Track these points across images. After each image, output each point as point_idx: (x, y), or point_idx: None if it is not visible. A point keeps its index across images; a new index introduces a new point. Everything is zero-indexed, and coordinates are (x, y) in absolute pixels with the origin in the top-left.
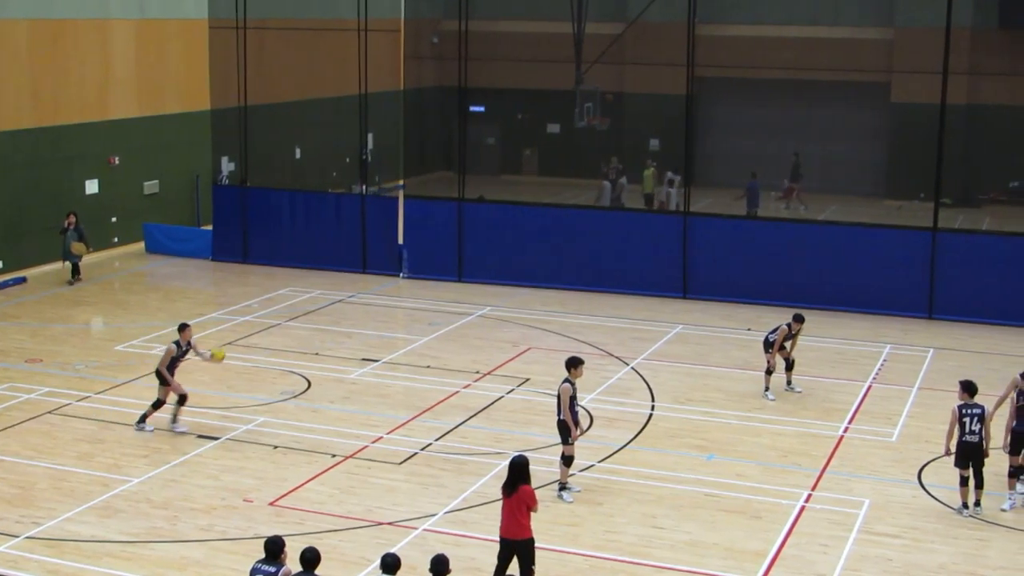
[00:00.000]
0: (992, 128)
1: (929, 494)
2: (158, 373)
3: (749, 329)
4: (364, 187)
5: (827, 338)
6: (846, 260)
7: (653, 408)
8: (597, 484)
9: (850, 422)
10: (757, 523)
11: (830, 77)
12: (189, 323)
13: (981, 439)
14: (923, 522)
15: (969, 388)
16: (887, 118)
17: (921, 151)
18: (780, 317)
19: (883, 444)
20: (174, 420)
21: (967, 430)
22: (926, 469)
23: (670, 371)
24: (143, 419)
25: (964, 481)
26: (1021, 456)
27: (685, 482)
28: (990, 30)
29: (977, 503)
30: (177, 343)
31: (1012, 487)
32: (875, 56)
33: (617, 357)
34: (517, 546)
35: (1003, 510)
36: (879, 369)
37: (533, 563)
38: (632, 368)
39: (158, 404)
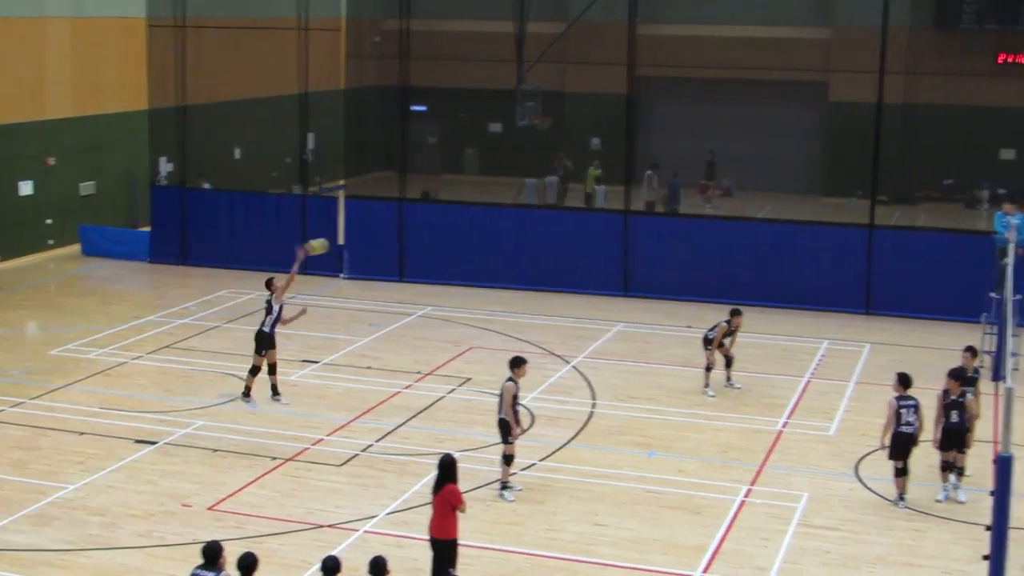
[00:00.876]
0: (928, 127)
1: (866, 487)
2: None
3: (689, 326)
4: (304, 187)
5: (766, 334)
6: (785, 257)
7: (594, 406)
8: (539, 483)
9: (789, 417)
10: (698, 518)
11: (770, 76)
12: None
13: (916, 431)
14: (860, 514)
15: (904, 381)
16: (825, 117)
17: (858, 149)
18: (720, 314)
19: (821, 438)
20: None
21: (902, 421)
22: (863, 462)
23: (611, 369)
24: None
25: (899, 472)
26: (952, 452)
27: (627, 479)
28: (926, 30)
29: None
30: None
31: (945, 479)
32: (814, 56)
33: (559, 356)
34: (438, 545)
35: (938, 501)
36: (817, 364)
37: (453, 565)
38: (573, 367)
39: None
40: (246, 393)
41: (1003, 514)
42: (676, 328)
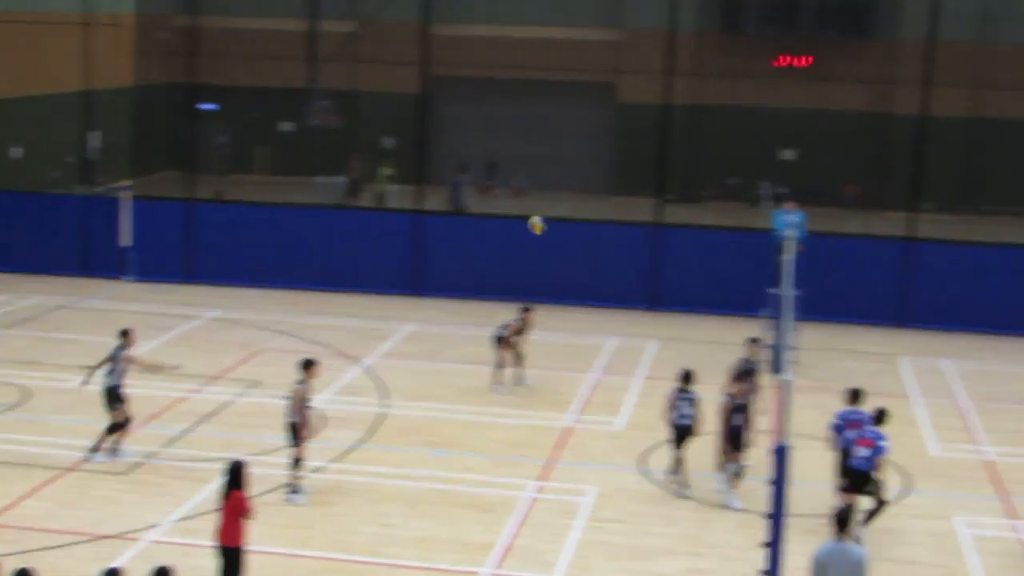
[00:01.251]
0: (713, 127)
1: (652, 480)
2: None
3: (479, 325)
4: (88, 187)
5: (556, 331)
6: (574, 255)
7: (385, 407)
8: (329, 485)
9: (578, 413)
10: (488, 516)
11: (561, 77)
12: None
13: (692, 423)
14: (646, 507)
15: (685, 377)
16: (615, 117)
17: (647, 149)
18: (511, 312)
19: (608, 433)
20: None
21: (680, 413)
22: (649, 456)
23: (403, 369)
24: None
25: (678, 462)
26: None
27: (417, 479)
28: (712, 33)
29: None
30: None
31: (736, 487)
32: (603, 56)
33: (350, 356)
34: (226, 553)
35: (728, 506)
36: (605, 360)
37: (236, 574)
38: (365, 367)
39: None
40: (94, 449)
41: (781, 502)
42: (468, 327)
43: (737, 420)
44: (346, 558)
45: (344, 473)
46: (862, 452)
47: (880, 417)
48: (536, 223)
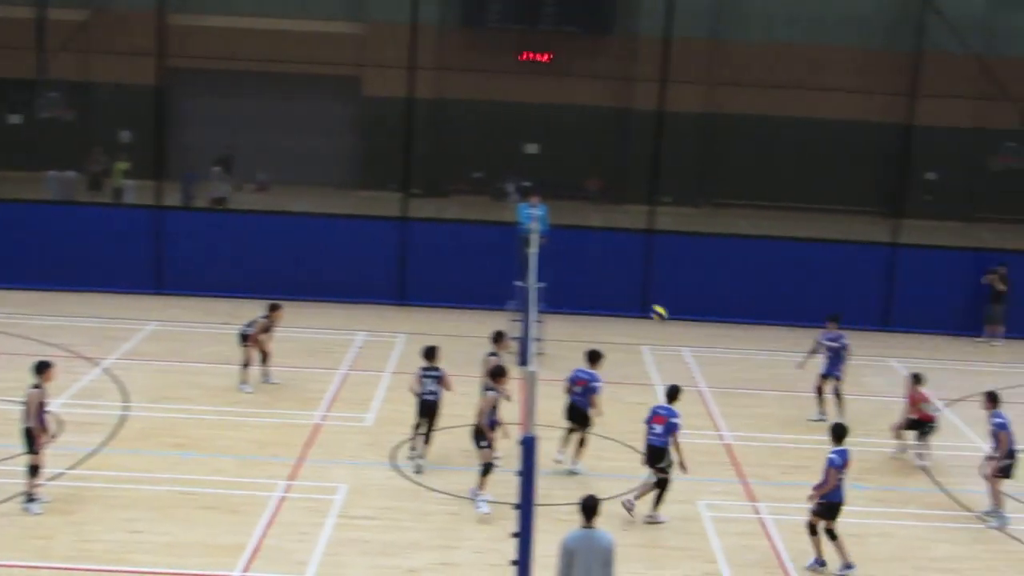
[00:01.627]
0: (457, 122)
1: (403, 474)
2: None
3: (226, 323)
4: None
5: (304, 328)
6: (321, 250)
7: (126, 409)
8: (68, 492)
9: (326, 410)
10: (236, 517)
11: (303, 70)
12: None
13: (437, 399)
14: (397, 502)
15: (428, 354)
16: (359, 111)
17: (392, 143)
18: (258, 309)
19: (358, 429)
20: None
21: (425, 389)
22: (399, 451)
23: (144, 370)
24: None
25: (420, 439)
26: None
27: (162, 482)
28: (455, 27)
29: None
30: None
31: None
32: (346, 50)
33: (88, 358)
34: None
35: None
36: (353, 356)
37: None
38: (104, 369)
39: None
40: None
41: (529, 492)
42: (212, 325)
43: (495, 415)
44: (89, 568)
45: (85, 479)
46: (656, 429)
47: (673, 394)
48: (661, 312)
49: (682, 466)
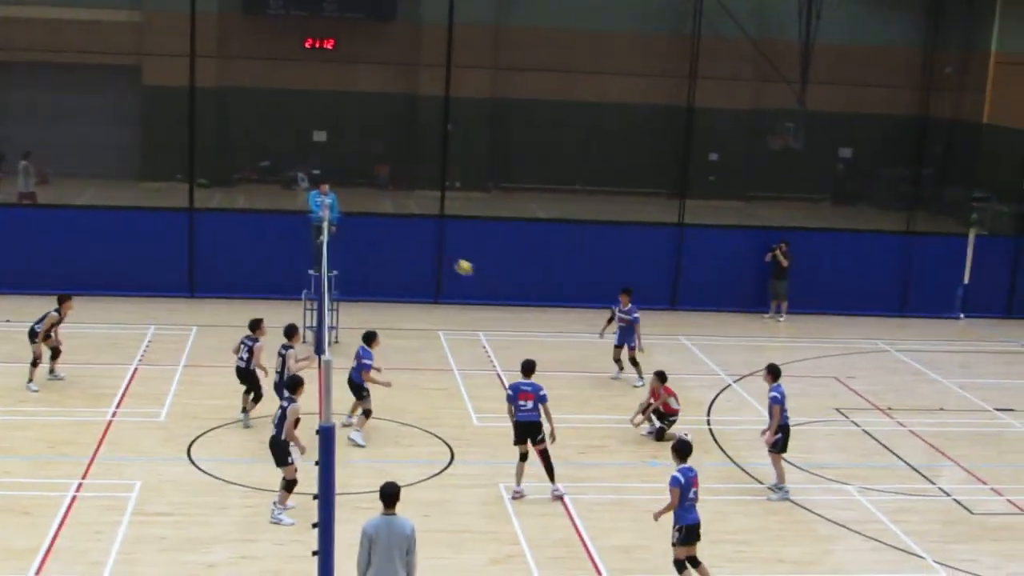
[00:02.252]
0: (242, 110)
1: (199, 468)
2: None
3: (8, 320)
4: None
5: (93, 323)
6: (107, 243)
7: None
8: None
9: (118, 406)
10: (27, 519)
11: (79, 59)
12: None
13: (246, 364)
14: (195, 496)
15: (254, 326)
16: (140, 101)
17: (176, 133)
18: (44, 305)
19: (152, 424)
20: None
21: (240, 357)
22: (195, 445)
23: None
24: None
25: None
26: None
27: None
28: (235, 15)
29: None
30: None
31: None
32: (125, 39)
33: None
34: None
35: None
36: (144, 350)
37: None
38: None
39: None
40: None
41: (328, 483)
42: None
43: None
44: None
45: None
46: (526, 405)
47: (529, 368)
48: (464, 266)
49: (552, 435)
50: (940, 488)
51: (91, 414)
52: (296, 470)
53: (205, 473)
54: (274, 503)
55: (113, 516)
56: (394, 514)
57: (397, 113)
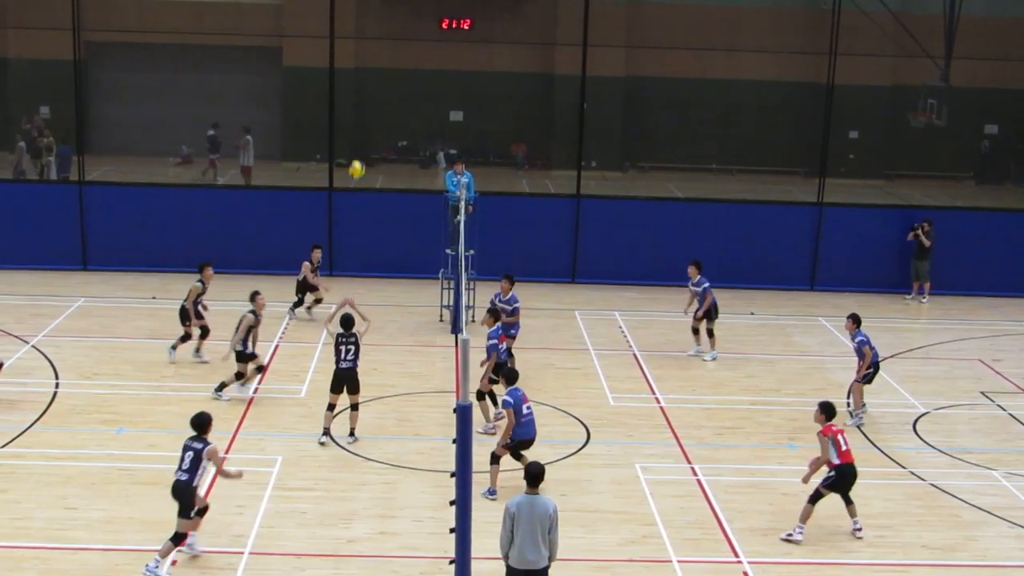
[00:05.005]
0: (380, 90)
1: (338, 444)
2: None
3: (154, 297)
4: None
5: (237, 301)
6: (250, 222)
7: (58, 386)
8: (2, 471)
9: (260, 382)
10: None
11: (222, 42)
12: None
13: (355, 365)
14: (334, 472)
15: (345, 322)
16: (280, 82)
17: (315, 113)
18: (185, 282)
19: (293, 401)
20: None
21: (342, 357)
22: (335, 421)
23: (74, 346)
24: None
25: (331, 407)
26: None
27: (96, 459)
28: None
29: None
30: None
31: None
32: (266, 20)
33: (16, 336)
34: None
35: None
36: (285, 328)
37: None
38: (33, 346)
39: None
40: None
41: (466, 461)
42: (140, 300)
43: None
44: (25, 545)
45: (17, 457)
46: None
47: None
48: (357, 167)
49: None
50: None
51: (232, 390)
52: (196, 525)
53: (344, 449)
54: (157, 558)
55: (255, 490)
56: (537, 493)
57: (533, 93)
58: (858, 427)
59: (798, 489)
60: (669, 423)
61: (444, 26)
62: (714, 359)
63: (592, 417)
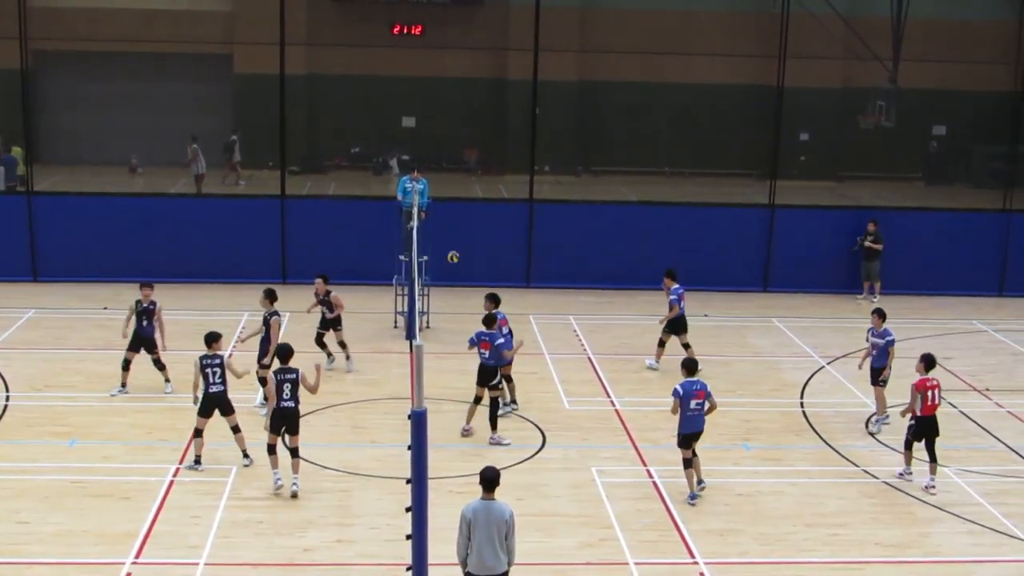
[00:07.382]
0: (332, 97)
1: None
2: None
3: (106, 308)
4: None
5: (187, 310)
6: (201, 231)
7: (8, 399)
8: None
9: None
10: (127, 504)
11: (173, 49)
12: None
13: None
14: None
15: (209, 338)
16: (232, 89)
17: (267, 120)
18: (138, 293)
19: (247, 410)
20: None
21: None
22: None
23: (25, 358)
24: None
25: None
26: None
27: (49, 472)
28: (324, 3)
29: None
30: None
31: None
32: (216, 27)
33: None
34: None
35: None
36: (237, 336)
37: None
38: None
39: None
40: None
41: (421, 467)
42: (92, 311)
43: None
44: None
45: None
46: (485, 353)
47: (489, 321)
48: (454, 256)
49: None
50: None
51: (187, 400)
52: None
53: (303, 459)
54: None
55: (210, 500)
56: (493, 498)
57: (486, 98)
58: (872, 429)
59: (753, 490)
60: (624, 426)
61: (395, 32)
62: (651, 367)
63: (548, 421)
